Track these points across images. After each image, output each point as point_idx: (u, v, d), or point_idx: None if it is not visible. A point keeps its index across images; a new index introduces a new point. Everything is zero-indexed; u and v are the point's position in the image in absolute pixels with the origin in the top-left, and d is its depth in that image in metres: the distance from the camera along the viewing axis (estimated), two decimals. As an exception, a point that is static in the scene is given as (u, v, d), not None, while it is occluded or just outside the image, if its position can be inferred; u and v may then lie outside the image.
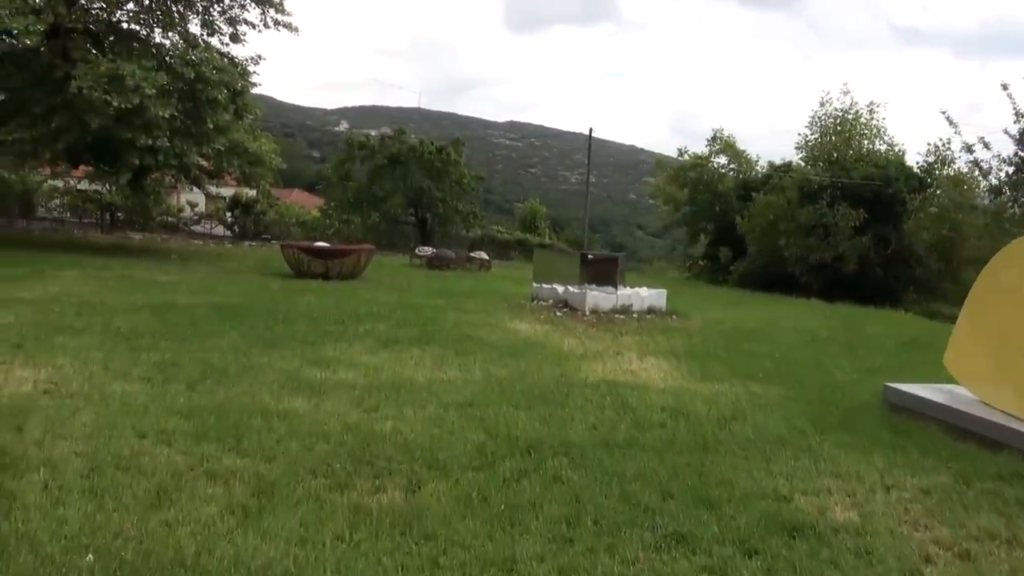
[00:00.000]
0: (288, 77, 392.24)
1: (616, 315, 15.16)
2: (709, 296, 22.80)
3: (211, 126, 21.75)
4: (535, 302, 16.17)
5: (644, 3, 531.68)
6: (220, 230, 36.94)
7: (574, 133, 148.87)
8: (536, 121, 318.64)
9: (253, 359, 8.39)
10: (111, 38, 22.37)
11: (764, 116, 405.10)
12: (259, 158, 23.75)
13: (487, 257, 27.99)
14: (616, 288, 16.02)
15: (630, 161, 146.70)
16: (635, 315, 15.37)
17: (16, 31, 18.27)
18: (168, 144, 20.42)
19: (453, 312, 14.04)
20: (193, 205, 37.45)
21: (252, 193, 37.34)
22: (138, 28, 23.83)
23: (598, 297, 15.49)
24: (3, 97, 20.63)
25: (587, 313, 15.04)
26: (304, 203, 48.46)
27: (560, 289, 16.10)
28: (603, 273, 16.56)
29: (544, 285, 16.63)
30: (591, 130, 43.43)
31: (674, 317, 15.67)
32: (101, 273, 16.21)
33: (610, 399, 7.79)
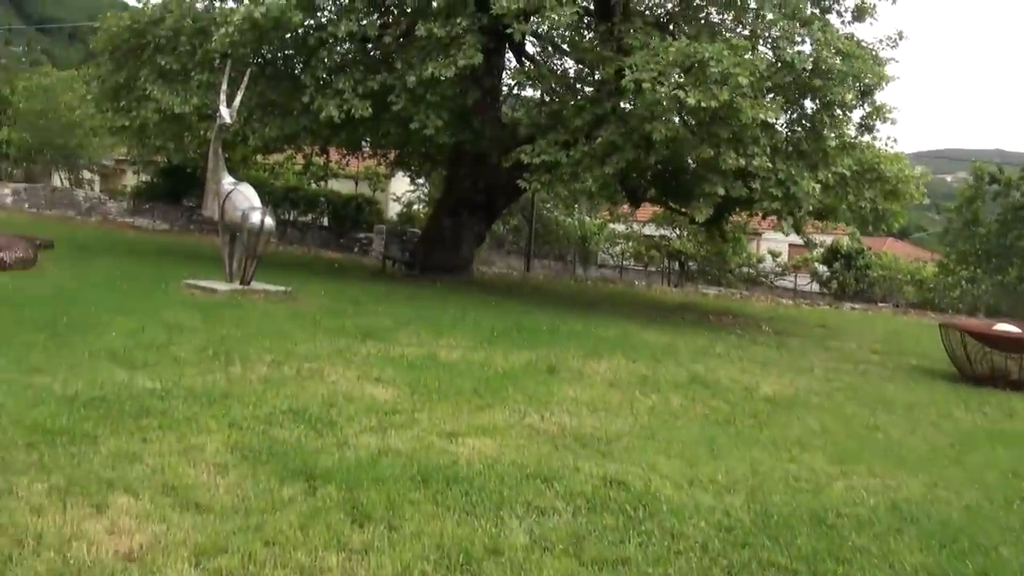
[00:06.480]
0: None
1: None
2: None
3: (833, 142, 14.25)
4: None
5: None
6: (810, 286, 29.21)
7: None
8: None
9: None
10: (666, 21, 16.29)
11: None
12: (895, 189, 15.44)
13: None
14: None
15: None
16: None
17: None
18: (769, 166, 13.21)
19: None
20: (775, 255, 30.37)
21: (847, 241, 29.19)
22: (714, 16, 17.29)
23: None
24: (538, 108, 15.26)
25: None
26: (898, 253, 38.39)
27: None
28: None
29: None
30: None
31: None
32: (657, 371, 9.33)
33: None
